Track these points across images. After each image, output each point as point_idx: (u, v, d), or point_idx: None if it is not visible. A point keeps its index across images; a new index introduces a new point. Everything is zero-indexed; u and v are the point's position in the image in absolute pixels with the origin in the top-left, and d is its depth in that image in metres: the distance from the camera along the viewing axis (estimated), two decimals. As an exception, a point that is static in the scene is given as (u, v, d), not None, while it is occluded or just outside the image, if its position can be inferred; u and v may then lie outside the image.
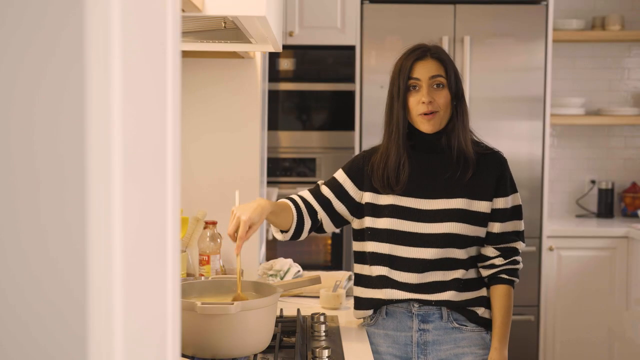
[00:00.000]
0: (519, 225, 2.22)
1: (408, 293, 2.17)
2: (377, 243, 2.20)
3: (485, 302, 2.21)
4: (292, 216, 2.21)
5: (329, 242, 4.37)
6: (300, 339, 2.06)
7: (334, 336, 2.18)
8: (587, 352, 4.38)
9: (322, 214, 2.25)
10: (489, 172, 2.18)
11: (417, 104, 2.14)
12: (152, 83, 0.72)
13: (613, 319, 4.32)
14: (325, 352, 1.91)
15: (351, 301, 2.61)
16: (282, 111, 4.39)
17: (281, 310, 2.35)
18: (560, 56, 4.77)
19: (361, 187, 2.24)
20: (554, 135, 4.85)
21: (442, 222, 2.15)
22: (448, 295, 2.16)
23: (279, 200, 2.27)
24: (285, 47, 4.19)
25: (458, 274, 2.17)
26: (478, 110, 4.24)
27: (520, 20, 4.27)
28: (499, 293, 2.19)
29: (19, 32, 0.55)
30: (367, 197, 2.22)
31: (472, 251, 2.20)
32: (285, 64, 4.37)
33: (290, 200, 2.25)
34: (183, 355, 1.85)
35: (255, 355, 1.93)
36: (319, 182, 2.33)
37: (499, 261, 2.19)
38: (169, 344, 0.78)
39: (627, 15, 4.77)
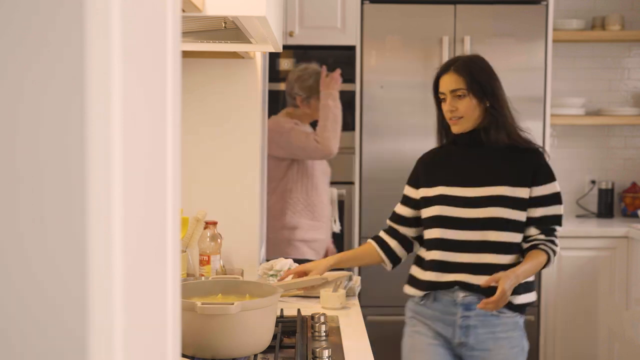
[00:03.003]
0: (558, 210, 2.52)
1: (456, 274, 2.45)
2: (430, 230, 2.53)
3: (521, 288, 2.44)
4: (376, 250, 2.67)
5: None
6: (301, 339, 2.06)
7: (334, 336, 2.18)
8: (587, 352, 4.38)
9: (403, 230, 2.67)
10: (527, 163, 2.49)
11: (445, 112, 2.54)
12: (152, 83, 0.72)
13: (613, 319, 4.32)
14: (326, 352, 1.91)
15: (352, 301, 2.62)
16: (283, 111, 4.39)
17: (281, 310, 2.35)
18: (560, 56, 4.77)
19: (417, 186, 2.61)
20: (554, 135, 4.85)
21: (485, 207, 2.46)
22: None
23: (365, 245, 2.74)
24: (285, 47, 4.19)
25: (503, 259, 2.44)
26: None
27: (520, 20, 4.27)
28: (534, 253, 2.44)
29: (19, 32, 0.55)
30: (422, 192, 2.58)
31: (512, 237, 2.45)
32: (285, 64, 4.37)
33: (373, 238, 2.71)
34: (183, 356, 1.85)
35: (256, 356, 1.93)
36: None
37: (540, 237, 2.47)
38: (169, 344, 0.78)
39: (627, 15, 4.77)
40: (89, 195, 0.56)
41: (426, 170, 2.61)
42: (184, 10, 1.58)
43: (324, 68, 3.79)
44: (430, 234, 2.54)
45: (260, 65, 2.88)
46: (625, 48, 4.86)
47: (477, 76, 2.52)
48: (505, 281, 2.31)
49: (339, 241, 4.33)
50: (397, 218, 2.67)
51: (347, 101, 4.32)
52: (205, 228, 2.62)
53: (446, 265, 2.49)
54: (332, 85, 3.74)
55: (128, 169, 0.62)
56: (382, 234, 2.69)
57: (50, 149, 0.56)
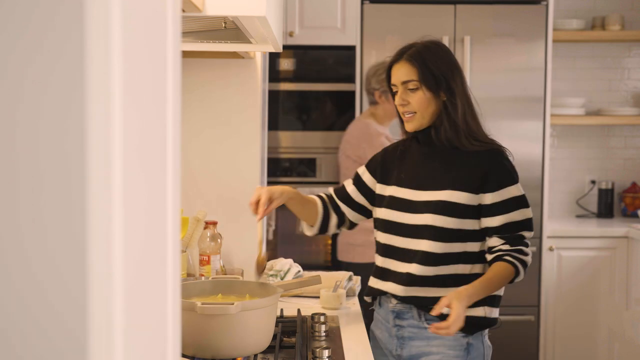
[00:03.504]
0: (523, 214, 2.18)
1: (390, 283, 2.23)
2: (378, 232, 2.31)
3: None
4: (318, 210, 2.38)
5: (329, 242, 4.37)
6: (301, 339, 2.06)
7: (334, 336, 2.18)
8: (587, 352, 4.38)
9: (344, 208, 2.39)
10: (479, 166, 2.17)
11: (397, 106, 2.26)
12: (153, 83, 0.72)
13: (613, 319, 4.32)
14: (326, 352, 1.91)
15: (352, 301, 2.62)
16: (282, 111, 4.39)
17: (281, 310, 2.35)
18: (560, 56, 4.77)
19: (375, 177, 2.36)
20: (554, 135, 4.85)
21: (423, 213, 2.18)
22: (401, 290, 2.18)
23: (312, 197, 2.43)
24: (285, 47, 4.19)
25: (431, 270, 2.17)
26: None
27: (520, 20, 4.27)
28: (496, 266, 2.13)
29: (19, 32, 0.55)
30: (378, 188, 2.34)
31: (450, 247, 2.16)
32: (286, 64, 4.37)
33: (317, 196, 2.42)
34: (183, 356, 1.85)
35: (256, 356, 1.93)
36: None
37: (505, 247, 2.14)
38: (169, 344, 0.78)
39: (627, 15, 4.77)
40: (89, 195, 0.56)
41: (384, 165, 2.34)
42: (184, 10, 1.58)
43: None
44: (377, 237, 2.32)
45: (260, 65, 2.88)
46: (625, 48, 4.86)
47: (432, 66, 2.19)
48: (458, 305, 2.01)
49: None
50: (344, 195, 2.39)
51: (347, 101, 4.32)
52: (205, 228, 2.62)
53: (383, 273, 2.26)
54: None
55: (128, 169, 0.62)
56: (327, 199, 2.41)
57: (50, 149, 0.55)
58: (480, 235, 2.19)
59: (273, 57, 4.25)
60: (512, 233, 2.16)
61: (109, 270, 0.59)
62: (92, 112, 0.56)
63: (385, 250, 2.26)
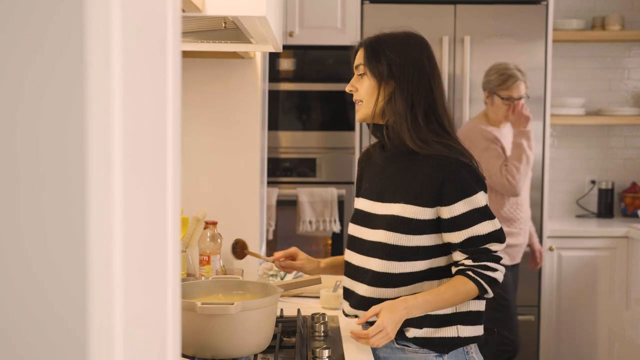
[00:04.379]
0: (487, 227, 1.96)
1: (351, 306, 2.11)
2: (346, 249, 2.19)
3: (418, 322, 1.97)
4: None
5: (329, 242, 4.37)
6: (301, 339, 2.06)
7: (334, 336, 2.18)
8: (587, 352, 4.38)
9: None
10: (433, 176, 1.95)
11: (348, 93, 2.13)
12: (152, 83, 0.72)
13: (613, 319, 4.32)
14: (326, 352, 1.91)
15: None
16: (282, 111, 4.39)
17: (281, 310, 2.35)
18: (560, 56, 4.77)
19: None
20: (554, 135, 4.85)
21: (378, 229, 2.02)
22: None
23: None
24: (285, 47, 4.19)
25: (383, 292, 2.01)
26: (478, 110, 4.24)
27: (520, 20, 4.27)
28: (454, 280, 1.95)
29: (19, 32, 0.55)
30: (354, 203, 2.21)
31: (401, 267, 1.99)
32: (286, 64, 4.37)
33: None
34: (183, 356, 1.85)
35: (256, 356, 1.93)
36: None
37: (468, 262, 1.95)
38: (169, 344, 0.78)
39: (627, 15, 4.77)
40: (89, 196, 0.56)
41: (360, 176, 2.20)
42: (184, 10, 1.58)
43: (519, 104, 3.65)
44: (345, 254, 2.18)
45: (260, 65, 2.88)
46: (625, 48, 4.86)
47: (383, 53, 2.01)
48: (386, 317, 1.86)
49: (339, 241, 4.33)
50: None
51: (347, 101, 4.32)
52: (205, 228, 2.62)
53: (345, 292, 2.14)
54: (522, 122, 3.65)
55: (128, 169, 0.62)
56: None
57: (50, 149, 0.55)
58: (446, 249, 2.01)
59: (273, 57, 4.25)
60: (477, 247, 1.95)
61: (109, 270, 0.59)
62: (92, 112, 0.56)
63: (346, 269, 2.15)
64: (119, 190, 0.60)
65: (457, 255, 1.98)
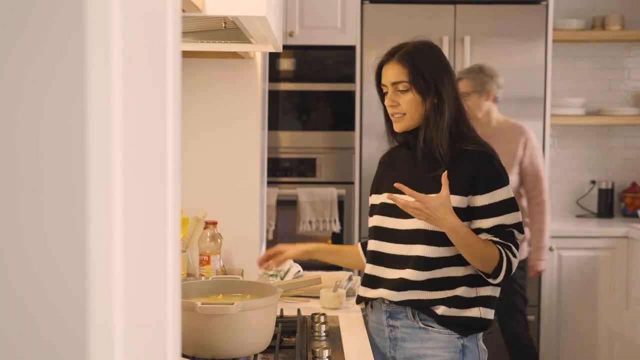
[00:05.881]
0: (510, 219, 2.12)
1: (380, 290, 2.18)
2: (370, 241, 2.28)
3: (448, 301, 2.12)
4: (360, 258, 2.40)
5: (329, 242, 4.37)
6: (301, 339, 2.06)
7: (334, 336, 2.18)
8: (587, 352, 4.38)
9: None
10: (467, 167, 2.12)
11: (387, 107, 2.22)
12: (153, 83, 0.72)
13: (613, 319, 4.32)
14: (326, 352, 1.91)
15: (352, 301, 2.61)
16: (282, 111, 4.39)
17: (281, 310, 2.35)
18: (560, 56, 4.77)
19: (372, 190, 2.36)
20: (554, 136, 4.85)
21: (411, 218, 2.14)
22: (409, 294, 2.13)
23: (351, 245, 2.46)
24: (285, 47, 4.19)
25: (423, 275, 2.12)
26: (478, 110, 4.24)
27: (520, 20, 4.27)
28: (485, 241, 2.10)
29: (19, 32, 0.55)
30: (371, 199, 2.33)
31: (441, 252, 2.13)
32: (286, 64, 4.37)
33: (362, 244, 2.42)
34: (183, 356, 1.85)
35: (256, 356, 1.93)
36: None
37: (495, 239, 2.11)
38: (169, 344, 0.78)
39: (627, 15, 4.77)
40: (89, 196, 0.56)
41: (378, 176, 2.34)
42: (184, 10, 1.58)
43: None
44: (369, 245, 2.28)
45: (260, 65, 2.88)
46: (625, 48, 4.86)
47: (422, 68, 2.16)
48: (437, 203, 2.01)
49: (339, 241, 4.33)
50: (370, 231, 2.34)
51: (347, 101, 4.32)
52: (205, 228, 2.62)
53: (374, 281, 2.22)
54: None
55: (128, 169, 0.62)
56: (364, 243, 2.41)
57: (50, 149, 0.55)
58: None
59: (273, 57, 4.25)
60: (503, 231, 2.12)
61: (109, 270, 0.59)
62: (92, 112, 0.56)
63: (376, 258, 2.22)
64: (119, 190, 0.60)
65: (484, 236, 2.12)
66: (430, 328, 2.13)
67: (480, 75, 3.76)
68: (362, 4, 4.28)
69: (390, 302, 2.16)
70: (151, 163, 0.71)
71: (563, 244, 4.38)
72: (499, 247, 2.08)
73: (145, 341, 0.69)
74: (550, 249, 4.34)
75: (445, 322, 2.12)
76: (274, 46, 2.29)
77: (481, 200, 2.11)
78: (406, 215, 2.15)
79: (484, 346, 2.21)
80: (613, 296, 4.34)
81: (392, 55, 2.19)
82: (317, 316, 2.23)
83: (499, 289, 2.19)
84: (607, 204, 4.77)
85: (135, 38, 0.64)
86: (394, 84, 2.17)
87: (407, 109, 2.16)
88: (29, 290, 0.56)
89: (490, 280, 2.11)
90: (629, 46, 4.85)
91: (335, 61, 4.38)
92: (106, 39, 0.57)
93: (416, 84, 2.15)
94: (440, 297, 2.12)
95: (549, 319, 4.35)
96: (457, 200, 2.10)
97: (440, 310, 2.11)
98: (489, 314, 2.17)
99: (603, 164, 4.89)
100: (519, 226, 2.14)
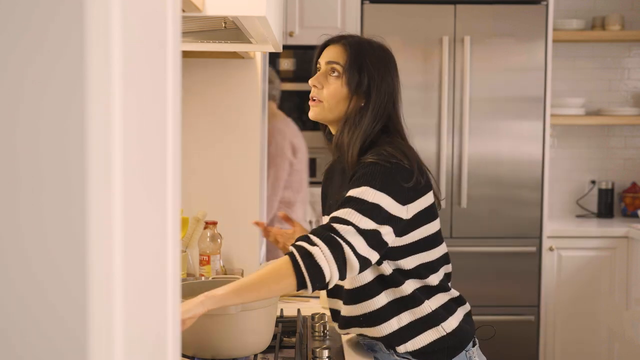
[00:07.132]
0: (341, 213, 1.76)
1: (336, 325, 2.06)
2: None
3: (396, 336, 1.91)
4: None
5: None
6: (301, 339, 2.06)
7: (334, 336, 2.18)
8: (587, 352, 4.38)
9: None
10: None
11: (311, 85, 1.97)
12: (152, 83, 0.72)
13: (613, 319, 4.32)
14: (325, 352, 1.91)
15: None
16: (282, 111, 4.39)
17: (281, 310, 2.35)
18: (560, 56, 4.77)
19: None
20: (554, 135, 4.85)
21: None
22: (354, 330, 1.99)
23: None
24: (285, 47, 4.19)
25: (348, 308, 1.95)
26: (478, 110, 4.24)
27: (520, 20, 4.27)
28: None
29: (19, 32, 0.55)
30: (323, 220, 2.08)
31: (367, 276, 1.90)
32: (286, 64, 4.37)
33: None
34: (183, 356, 1.85)
35: (256, 356, 1.93)
36: None
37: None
38: (169, 345, 0.78)
39: (627, 15, 4.77)
40: (89, 196, 0.56)
41: (322, 192, 2.15)
42: (184, 10, 1.58)
43: None
44: None
45: (260, 65, 2.88)
46: (625, 48, 4.86)
47: (364, 63, 1.91)
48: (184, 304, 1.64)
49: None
50: None
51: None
52: (205, 228, 2.62)
53: (331, 311, 2.09)
54: None
55: (128, 169, 0.62)
56: None
57: (50, 149, 0.55)
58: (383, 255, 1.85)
59: (273, 57, 4.25)
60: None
61: (109, 270, 0.59)
62: (92, 112, 0.56)
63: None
64: (119, 190, 0.60)
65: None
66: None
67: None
68: (362, 4, 4.28)
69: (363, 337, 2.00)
70: (151, 163, 0.71)
71: (563, 244, 4.38)
72: (293, 248, 1.71)
73: (145, 341, 0.69)
74: (550, 249, 4.34)
75: (418, 354, 1.91)
76: (274, 46, 2.29)
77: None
78: None
79: (478, 358, 1.99)
80: (613, 296, 4.34)
81: (342, 38, 1.97)
82: (317, 316, 2.23)
83: (447, 284, 1.96)
84: (607, 204, 4.77)
85: (135, 38, 0.64)
86: (329, 62, 1.93)
87: (328, 98, 1.92)
88: (29, 290, 0.56)
89: (308, 291, 1.71)
90: (629, 46, 4.85)
91: (335, 61, 4.38)
92: (106, 39, 0.57)
93: (349, 73, 1.90)
94: (384, 335, 1.92)
95: (549, 319, 4.35)
96: None
97: (401, 348, 1.91)
98: (453, 321, 1.93)
99: (603, 164, 4.89)
100: (343, 220, 1.75)
